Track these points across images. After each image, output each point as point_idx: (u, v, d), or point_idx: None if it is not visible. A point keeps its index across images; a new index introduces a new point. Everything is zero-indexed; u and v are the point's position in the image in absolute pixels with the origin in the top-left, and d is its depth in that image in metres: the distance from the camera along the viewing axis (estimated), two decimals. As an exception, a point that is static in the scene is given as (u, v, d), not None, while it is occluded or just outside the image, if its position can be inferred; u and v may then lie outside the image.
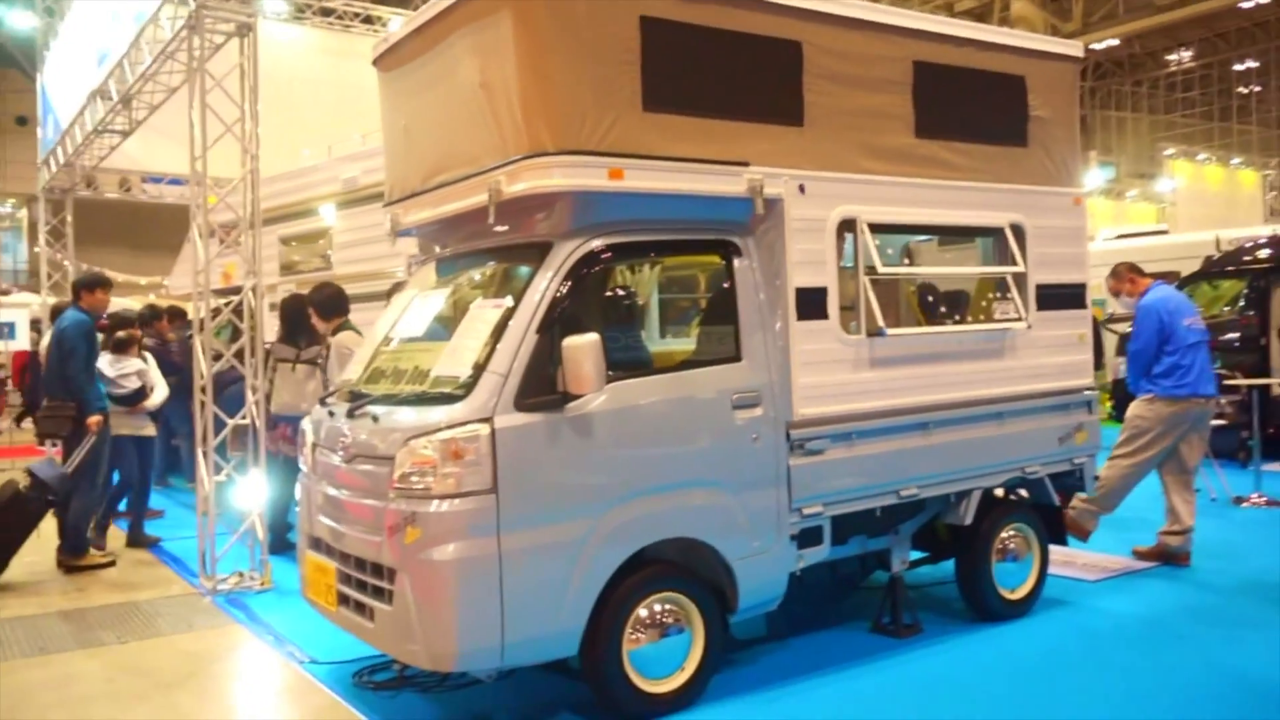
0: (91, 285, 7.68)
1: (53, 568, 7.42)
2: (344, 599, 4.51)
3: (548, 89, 4.20)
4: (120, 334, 8.35)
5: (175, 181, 14.97)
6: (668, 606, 4.45)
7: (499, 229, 4.59)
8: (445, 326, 4.77)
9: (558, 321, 4.20)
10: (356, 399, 4.67)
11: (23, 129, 27.71)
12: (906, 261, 6.40)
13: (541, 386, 4.11)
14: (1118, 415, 12.37)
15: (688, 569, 4.56)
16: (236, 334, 8.85)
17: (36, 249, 16.56)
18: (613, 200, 4.36)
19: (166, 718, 4.64)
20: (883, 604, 5.62)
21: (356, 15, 16.45)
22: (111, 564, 7.52)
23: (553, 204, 4.34)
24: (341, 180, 10.45)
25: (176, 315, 10.25)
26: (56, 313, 10.10)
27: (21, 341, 9.27)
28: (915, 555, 5.77)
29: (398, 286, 7.93)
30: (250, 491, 7.00)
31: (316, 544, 4.81)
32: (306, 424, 5.10)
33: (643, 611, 4.39)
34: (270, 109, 11.60)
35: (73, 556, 7.40)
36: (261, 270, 7.31)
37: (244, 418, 7.04)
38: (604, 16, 4.27)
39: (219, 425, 6.95)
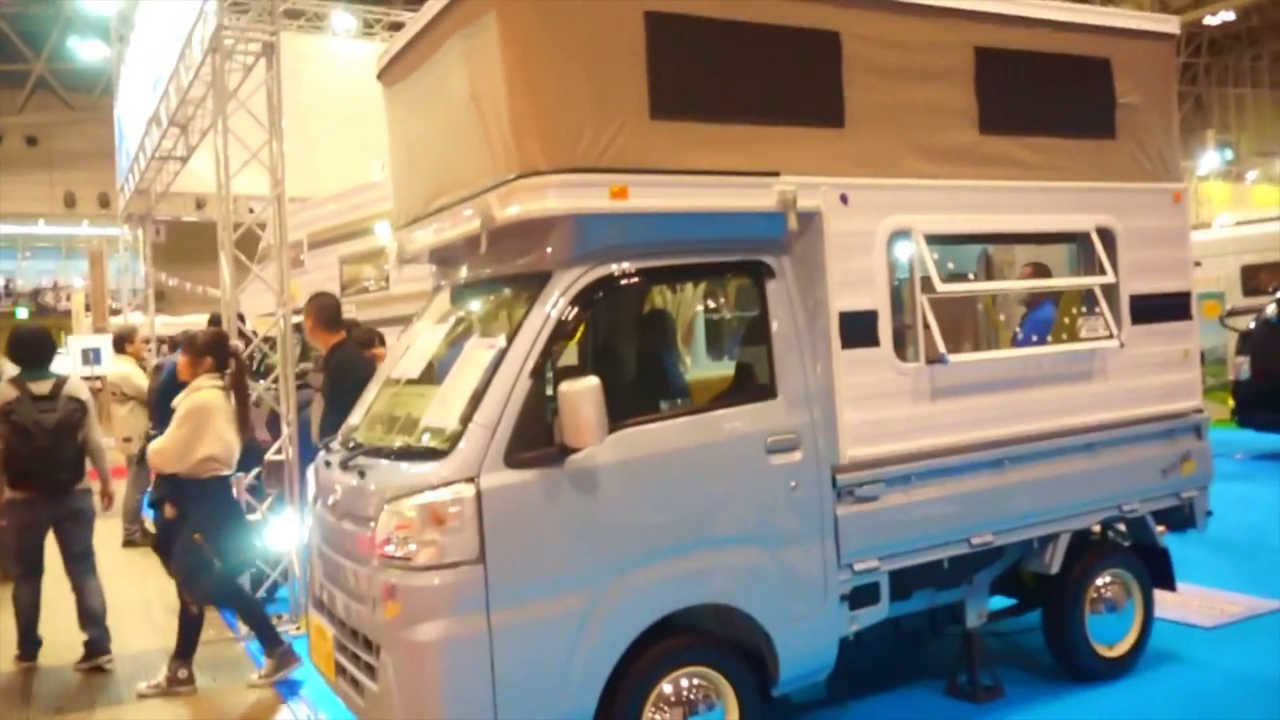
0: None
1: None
2: (341, 669, 4.09)
3: (538, 99, 3.71)
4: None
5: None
6: (696, 681, 3.91)
7: (500, 257, 4.12)
8: (442, 367, 4.31)
9: (555, 363, 3.70)
10: (353, 447, 4.27)
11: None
12: (973, 275, 5.69)
13: (536, 439, 3.61)
14: (1241, 418, 11.34)
15: (719, 637, 4.01)
16: (304, 355, 8.61)
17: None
18: (619, 222, 3.84)
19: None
20: (958, 661, 4.96)
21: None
22: None
23: (550, 229, 3.84)
24: (397, 198, 10.18)
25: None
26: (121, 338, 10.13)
27: (107, 366, 9.36)
28: (1001, 602, 5.12)
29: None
30: (286, 530, 6.70)
31: (320, 606, 4.41)
32: (311, 471, 4.72)
33: (667, 687, 3.85)
34: (341, 125, 11.46)
35: None
36: (291, 297, 7.00)
37: (278, 452, 6.74)
38: (602, 14, 3.75)
39: (255, 460, 6.63)
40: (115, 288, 28.63)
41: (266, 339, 7.11)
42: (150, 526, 8.72)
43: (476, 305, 4.44)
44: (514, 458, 3.56)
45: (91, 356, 15.99)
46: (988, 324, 5.97)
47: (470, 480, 3.50)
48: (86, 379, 16.72)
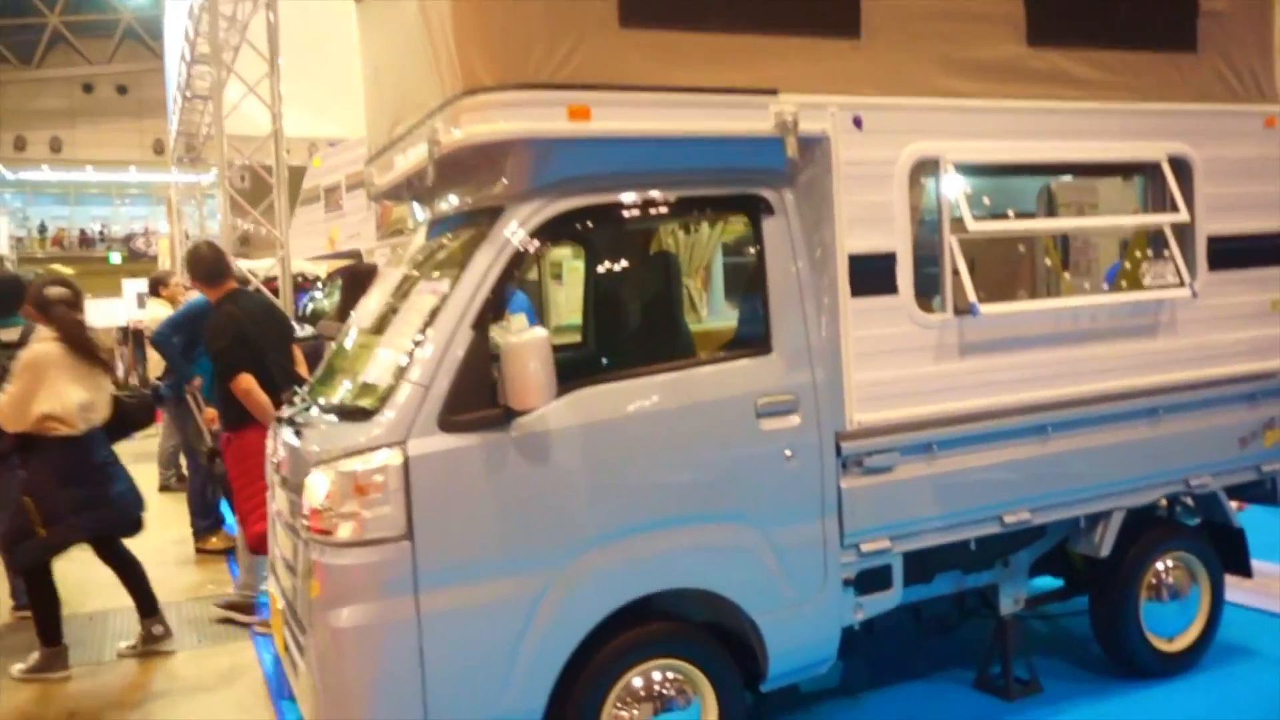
0: None
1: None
2: (286, 643, 3.73)
3: (482, 3, 3.18)
4: None
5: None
6: (669, 675, 3.44)
7: (458, 190, 3.65)
8: (392, 316, 3.85)
9: (503, 312, 3.22)
10: (304, 403, 3.87)
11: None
12: (1011, 214, 4.98)
13: (477, 399, 3.13)
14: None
15: (697, 626, 3.53)
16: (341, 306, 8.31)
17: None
18: (582, 149, 3.31)
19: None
20: (991, 650, 4.40)
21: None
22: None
23: (502, 157, 3.33)
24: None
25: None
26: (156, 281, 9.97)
27: (152, 311, 9.13)
28: (1049, 582, 4.55)
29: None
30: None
31: (274, 574, 4.06)
32: (272, 428, 4.34)
33: (636, 680, 3.39)
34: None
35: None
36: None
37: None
38: (560, -100, 3.19)
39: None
40: (200, 233, 29.06)
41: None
42: (185, 472, 8.58)
43: (434, 245, 3.95)
44: (449, 420, 3.09)
45: (141, 300, 16.24)
46: (1050, 272, 5.27)
47: (398, 445, 3.05)
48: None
